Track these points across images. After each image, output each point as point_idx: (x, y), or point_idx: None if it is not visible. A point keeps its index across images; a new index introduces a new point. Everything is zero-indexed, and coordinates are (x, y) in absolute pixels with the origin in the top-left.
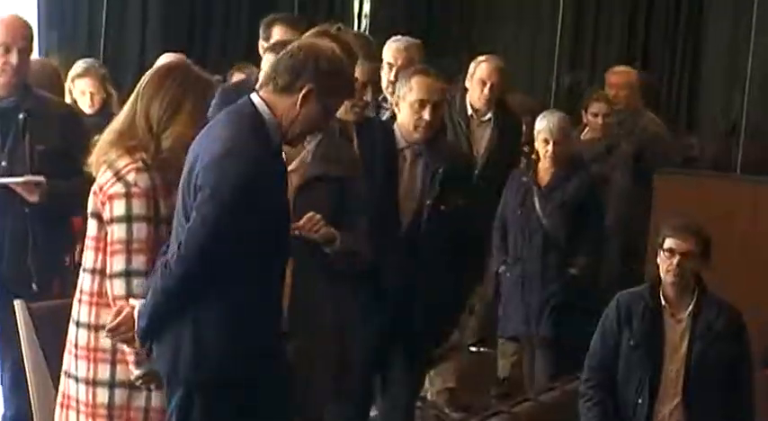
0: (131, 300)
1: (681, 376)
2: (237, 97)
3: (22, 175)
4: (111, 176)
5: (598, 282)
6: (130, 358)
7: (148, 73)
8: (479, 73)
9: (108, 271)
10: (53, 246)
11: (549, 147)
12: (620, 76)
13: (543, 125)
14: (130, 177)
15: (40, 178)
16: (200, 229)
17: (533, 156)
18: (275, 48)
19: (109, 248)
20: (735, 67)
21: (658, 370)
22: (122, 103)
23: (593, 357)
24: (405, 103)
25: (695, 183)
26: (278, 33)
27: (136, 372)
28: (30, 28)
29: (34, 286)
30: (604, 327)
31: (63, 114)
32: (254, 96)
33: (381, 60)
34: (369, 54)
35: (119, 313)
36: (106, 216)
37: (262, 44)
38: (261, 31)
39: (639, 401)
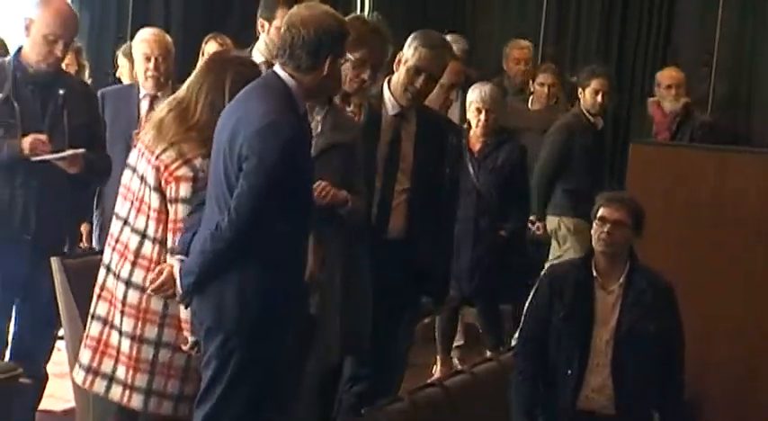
0: (169, 259)
1: (610, 347)
2: None
3: (62, 149)
4: (175, 157)
5: (525, 243)
6: (185, 325)
7: (207, 62)
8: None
9: (169, 245)
10: (81, 212)
11: (482, 116)
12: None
13: (476, 95)
14: (197, 162)
15: (82, 151)
16: (251, 195)
17: (465, 125)
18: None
19: (171, 225)
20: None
21: (588, 341)
22: None
23: (525, 329)
24: (404, 67)
25: (668, 152)
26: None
27: (191, 339)
28: (77, 20)
29: (67, 246)
30: (536, 299)
31: (86, 91)
32: (279, 70)
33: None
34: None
35: (161, 273)
36: (171, 195)
37: (261, 22)
38: (261, 11)
39: (569, 372)
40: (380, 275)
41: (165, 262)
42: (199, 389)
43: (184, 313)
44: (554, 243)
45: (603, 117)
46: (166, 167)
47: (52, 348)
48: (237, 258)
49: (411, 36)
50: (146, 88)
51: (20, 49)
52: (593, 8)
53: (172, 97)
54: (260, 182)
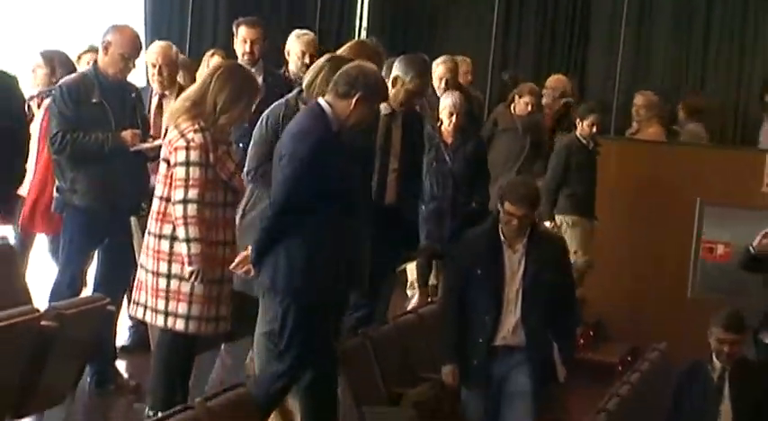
0: (250, 248)
1: (519, 296)
2: None
3: (144, 139)
4: (176, 134)
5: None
6: (186, 259)
7: (220, 67)
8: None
9: (172, 199)
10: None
11: (453, 119)
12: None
13: (449, 102)
14: (189, 135)
15: (161, 141)
16: (283, 185)
17: (438, 123)
18: (332, 60)
19: (173, 184)
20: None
21: (501, 292)
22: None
23: (448, 281)
24: (403, 89)
25: (630, 147)
26: (242, 32)
27: (188, 269)
28: (142, 42)
29: (142, 210)
30: (456, 259)
31: (140, 93)
32: (320, 99)
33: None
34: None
35: (242, 256)
36: (172, 161)
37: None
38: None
39: (487, 318)
40: (379, 232)
41: (168, 213)
42: (205, 311)
43: (185, 249)
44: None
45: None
46: (170, 142)
47: (127, 286)
48: (284, 235)
49: (406, 62)
50: (154, 88)
51: (95, 63)
52: (529, 33)
53: (185, 94)
54: (289, 174)
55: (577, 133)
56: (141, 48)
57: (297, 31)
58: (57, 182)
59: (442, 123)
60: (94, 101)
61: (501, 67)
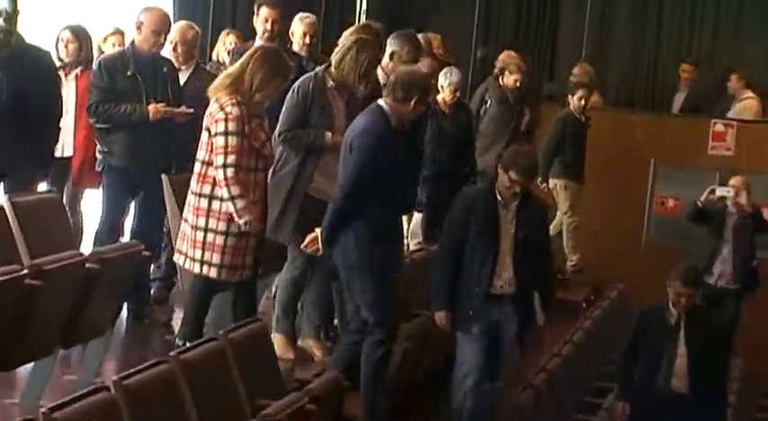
0: (318, 230)
1: (511, 251)
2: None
3: (176, 106)
4: (216, 107)
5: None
6: (236, 214)
7: (259, 49)
8: None
9: (213, 164)
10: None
11: (457, 94)
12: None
13: (455, 79)
14: (228, 109)
15: (189, 110)
16: (351, 172)
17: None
18: (358, 41)
19: (214, 151)
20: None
21: (496, 247)
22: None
23: (445, 236)
24: (400, 61)
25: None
26: (264, 12)
27: (241, 222)
28: (170, 20)
29: (173, 169)
30: (454, 214)
31: (172, 66)
32: (380, 101)
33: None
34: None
35: (312, 237)
36: (213, 131)
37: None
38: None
39: (484, 270)
40: None
41: (208, 175)
42: (234, 261)
43: (232, 207)
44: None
45: (584, 112)
46: (211, 114)
47: (160, 235)
48: (351, 217)
49: (400, 37)
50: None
51: (132, 41)
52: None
53: (226, 72)
54: (357, 163)
55: (571, 107)
56: (170, 24)
57: (300, 14)
58: (98, 145)
59: (438, 93)
60: (129, 73)
61: (483, 44)
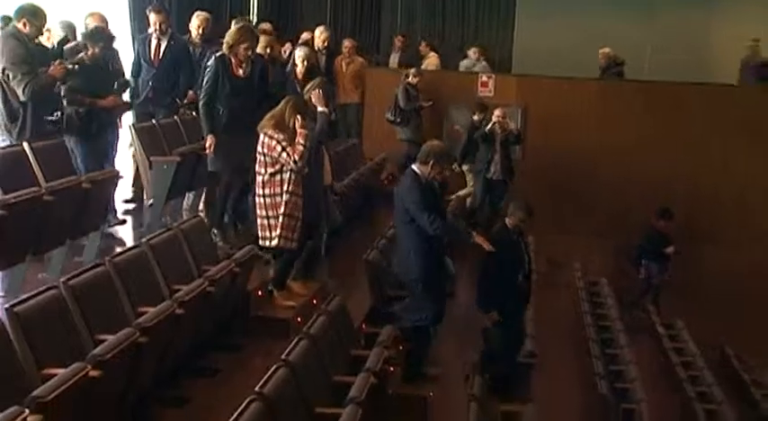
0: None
1: None
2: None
3: None
4: (267, 138)
5: None
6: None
7: (290, 100)
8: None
9: (264, 171)
10: None
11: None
12: None
13: (301, 53)
14: (276, 137)
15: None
16: (414, 211)
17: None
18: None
19: (280, 162)
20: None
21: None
22: None
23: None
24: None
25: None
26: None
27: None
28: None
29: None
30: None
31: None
32: (413, 166)
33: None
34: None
35: None
36: (266, 151)
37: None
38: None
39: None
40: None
41: (265, 184)
42: (288, 235)
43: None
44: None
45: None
46: (263, 143)
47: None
48: (414, 238)
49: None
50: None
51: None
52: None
53: (270, 114)
54: (415, 210)
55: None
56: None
57: (197, 12)
58: None
59: (296, 67)
60: None
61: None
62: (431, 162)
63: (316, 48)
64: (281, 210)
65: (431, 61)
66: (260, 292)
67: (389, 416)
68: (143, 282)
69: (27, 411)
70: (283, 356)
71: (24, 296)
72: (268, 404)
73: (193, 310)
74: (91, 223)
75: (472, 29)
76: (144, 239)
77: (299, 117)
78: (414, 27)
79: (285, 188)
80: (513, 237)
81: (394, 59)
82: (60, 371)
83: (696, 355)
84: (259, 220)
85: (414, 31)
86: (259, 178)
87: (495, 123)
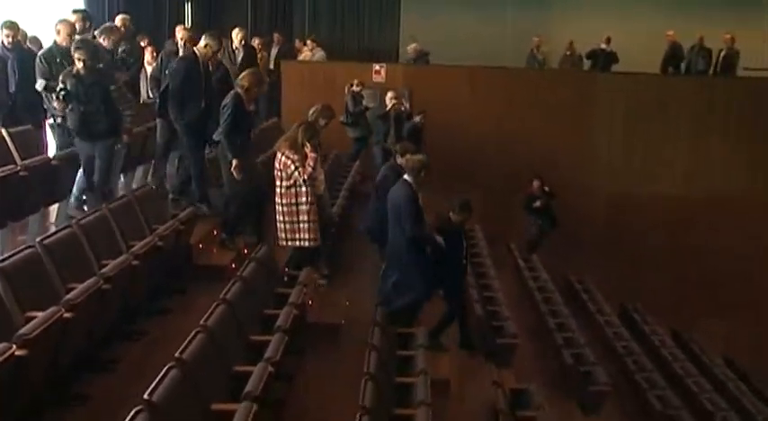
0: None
1: None
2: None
3: None
4: (283, 157)
5: None
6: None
7: (303, 123)
8: None
9: (281, 184)
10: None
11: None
12: None
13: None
14: (290, 156)
15: None
16: (407, 222)
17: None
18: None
19: (293, 177)
20: None
21: None
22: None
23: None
24: (205, 49)
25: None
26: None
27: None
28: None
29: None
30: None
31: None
32: (405, 176)
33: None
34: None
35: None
36: (282, 167)
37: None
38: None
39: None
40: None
41: (284, 195)
42: (311, 236)
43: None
44: None
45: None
46: (279, 161)
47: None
48: (411, 249)
49: (211, 35)
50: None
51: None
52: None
53: (285, 135)
54: (407, 218)
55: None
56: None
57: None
58: None
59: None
60: None
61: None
62: (422, 174)
63: (233, 46)
64: (305, 217)
65: (306, 55)
66: (200, 245)
67: (308, 340)
68: (105, 240)
69: (14, 347)
70: (222, 296)
71: (6, 254)
72: (211, 334)
73: (147, 261)
74: (61, 193)
75: (366, 29)
76: (104, 205)
77: (308, 143)
78: (318, 27)
79: (305, 199)
80: (456, 228)
81: (273, 52)
82: (39, 313)
83: (548, 281)
84: (280, 225)
85: (318, 31)
86: (277, 190)
87: (393, 104)
